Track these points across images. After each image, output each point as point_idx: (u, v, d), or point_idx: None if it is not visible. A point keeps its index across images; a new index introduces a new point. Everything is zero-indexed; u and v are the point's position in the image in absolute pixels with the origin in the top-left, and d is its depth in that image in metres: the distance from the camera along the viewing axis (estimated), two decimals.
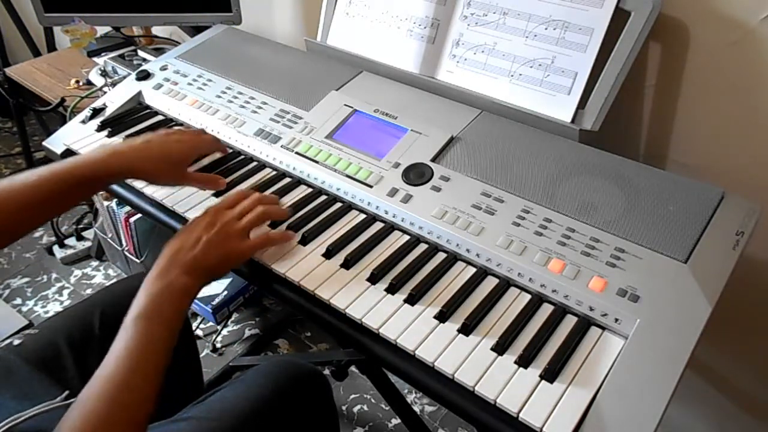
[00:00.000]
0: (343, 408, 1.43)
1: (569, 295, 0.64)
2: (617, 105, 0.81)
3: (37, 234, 1.96)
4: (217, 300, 1.49)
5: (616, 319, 0.62)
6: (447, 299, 0.66)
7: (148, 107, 1.04)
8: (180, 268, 0.64)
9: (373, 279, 0.69)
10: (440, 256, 0.73)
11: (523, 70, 0.87)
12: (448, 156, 0.81)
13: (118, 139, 0.95)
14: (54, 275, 1.81)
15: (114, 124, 0.98)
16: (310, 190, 0.84)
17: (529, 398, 0.56)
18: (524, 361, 0.59)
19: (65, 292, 1.76)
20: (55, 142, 0.98)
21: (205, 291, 1.48)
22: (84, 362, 0.81)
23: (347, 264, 0.71)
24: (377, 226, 0.78)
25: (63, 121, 1.13)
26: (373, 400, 1.45)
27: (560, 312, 0.65)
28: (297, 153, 0.86)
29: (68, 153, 0.96)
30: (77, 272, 1.82)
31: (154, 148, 0.77)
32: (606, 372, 0.58)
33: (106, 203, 1.52)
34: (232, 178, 0.86)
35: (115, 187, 0.89)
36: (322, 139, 0.87)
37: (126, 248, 1.60)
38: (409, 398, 1.44)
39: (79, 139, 0.96)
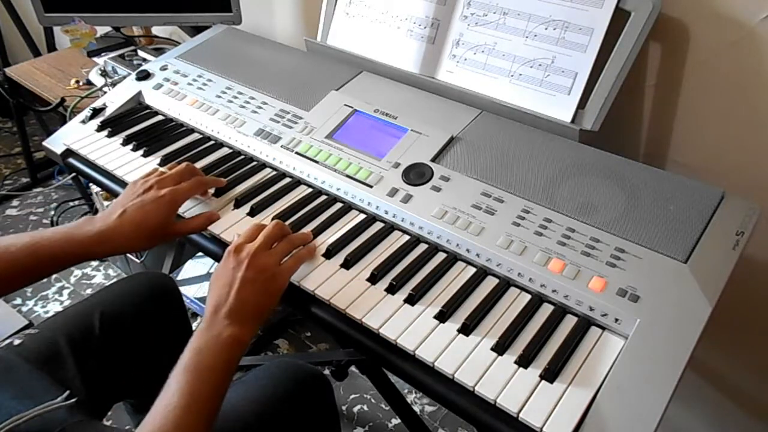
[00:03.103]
0: (343, 408, 1.43)
1: (569, 295, 0.64)
2: (617, 105, 0.81)
3: None
4: None
5: (616, 319, 0.62)
6: (447, 299, 0.66)
7: (148, 107, 1.04)
8: (225, 319, 0.61)
9: (373, 279, 0.69)
10: (440, 256, 0.73)
11: (523, 70, 0.87)
12: (448, 156, 0.81)
13: (118, 139, 0.95)
14: (54, 275, 1.81)
15: (114, 124, 0.98)
16: (310, 190, 0.84)
17: (529, 398, 0.56)
18: (524, 361, 0.59)
19: (65, 292, 1.76)
20: (55, 142, 0.98)
21: (205, 291, 1.47)
22: (84, 362, 0.81)
23: (347, 264, 0.71)
24: (377, 226, 0.78)
25: (63, 121, 1.13)
26: (373, 400, 1.45)
27: (560, 312, 0.65)
28: (297, 153, 0.86)
29: (68, 153, 0.96)
30: (77, 272, 1.82)
31: (126, 222, 0.71)
32: (606, 372, 0.58)
33: (106, 203, 1.52)
34: (232, 177, 0.86)
35: (114, 186, 0.89)
36: (322, 139, 0.87)
37: None
38: (409, 398, 1.44)
39: (79, 139, 0.96)
